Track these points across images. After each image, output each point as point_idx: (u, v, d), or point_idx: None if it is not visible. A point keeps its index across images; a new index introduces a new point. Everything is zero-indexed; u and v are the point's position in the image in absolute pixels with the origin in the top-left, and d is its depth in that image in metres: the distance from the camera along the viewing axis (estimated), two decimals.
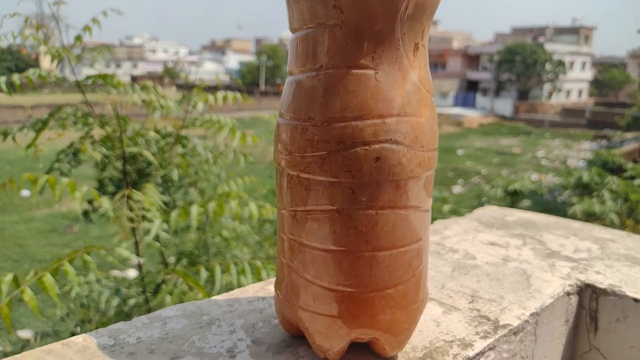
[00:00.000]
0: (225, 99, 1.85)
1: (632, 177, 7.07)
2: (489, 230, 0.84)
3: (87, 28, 1.75)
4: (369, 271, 0.43)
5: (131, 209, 1.47)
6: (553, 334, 0.62)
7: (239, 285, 1.56)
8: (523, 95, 34.25)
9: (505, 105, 32.48)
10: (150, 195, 1.53)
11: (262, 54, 40.37)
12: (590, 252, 0.75)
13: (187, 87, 2.02)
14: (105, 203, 1.47)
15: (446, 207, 3.70)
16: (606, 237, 0.82)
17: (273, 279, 0.64)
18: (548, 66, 32.83)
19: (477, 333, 0.53)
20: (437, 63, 39.08)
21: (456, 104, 35.73)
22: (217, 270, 1.47)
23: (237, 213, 1.52)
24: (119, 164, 1.75)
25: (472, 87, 37.59)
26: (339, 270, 0.43)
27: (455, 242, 0.78)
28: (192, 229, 1.94)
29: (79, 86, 1.67)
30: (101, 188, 1.87)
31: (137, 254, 1.55)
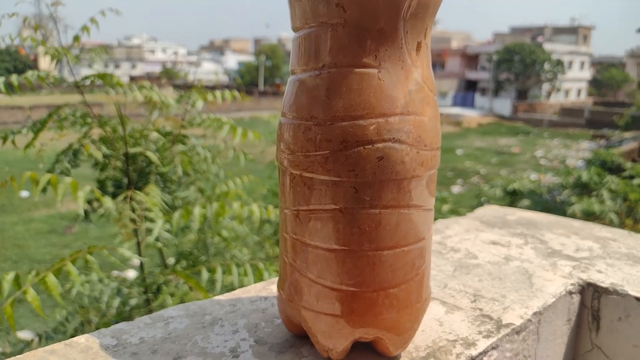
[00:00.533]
0: (223, 96, 1.86)
1: (631, 177, 7.08)
2: (491, 230, 0.84)
3: (85, 28, 1.75)
4: (372, 270, 0.43)
5: (133, 210, 1.47)
6: (555, 333, 0.62)
7: (241, 286, 1.56)
8: (522, 95, 34.27)
9: (504, 105, 32.49)
10: (153, 196, 1.53)
11: (261, 54, 40.34)
12: (591, 251, 0.75)
13: (185, 87, 2.02)
14: (108, 203, 1.47)
15: (445, 207, 3.69)
16: (607, 236, 0.82)
17: (275, 279, 0.64)
18: (547, 66, 32.86)
19: (480, 332, 0.53)
20: (436, 63, 39.08)
21: (455, 103, 35.74)
22: (219, 271, 1.47)
23: (239, 214, 1.52)
24: (118, 164, 1.75)
25: (470, 87, 37.61)
26: (342, 269, 0.43)
27: (456, 241, 0.78)
28: (192, 230, 1.94)
29: (78, 87, 1.67)
30: (101, 189, 1.87)
31: (139, 255, 1.55)
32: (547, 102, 34.13)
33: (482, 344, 0.51)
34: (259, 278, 1.49)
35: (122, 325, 0.53)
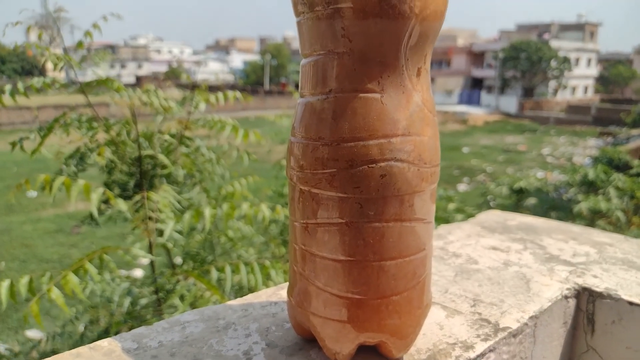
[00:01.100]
0: (225, 97, 1.89)
1: (639, 174, 7.05)
2: (491, 235, 0.87)
3: (88, 34, 1.79)
4: (376, 279, 0.47)
5: (151, 210, 1.50)
6: (552, 336, 0.65)
7: (249, 285, 1.60)
8: (528, 92, 34.15)
9: (510, 102, 32.39)
10: (165, 197, 1.56)
11: (266, 53, 40.40)
12: (588, 256, 0.78)
13: (190, 87, 2.05)
14: (121, 205, 1.51)
15: (451, 206, 3.71)
16: (604, 241, 0.85)
17: (284, 284, 0.67)
18: (553, 63, 32.71)
19: (478, 335, 0.56)
20: (442, 61, 38.99)
21: (461, 101, 35.66)
22: (228, 270, 1.50)
23: (248, 215, 1.55)
24: (125, 167, 1.78)
25: (476, 84, 37.49)
26: (348, 278, 0.47)
27: (458, 247, 0.82)
28: (203, 230, 1.97)
29: (83, 91, 1.71)
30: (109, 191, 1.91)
31: (151, 254, 1.59)
32: (553, 99, 33.99)
33: (480, 347, 0.54)
34: (266, 276, 1.52)
35: (141, 329, 0.57)
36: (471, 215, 3.37)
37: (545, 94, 34.12)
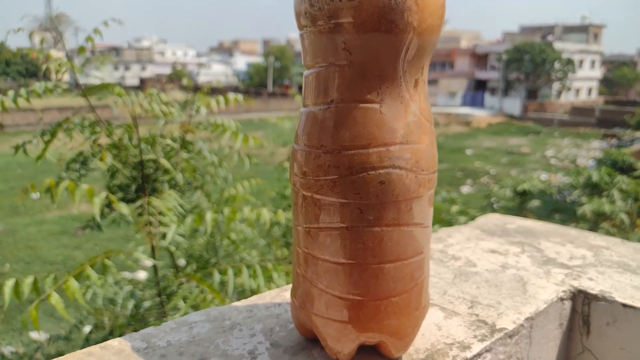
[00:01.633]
0: (226, 101, 1.91)
1: None
2: (490, 238, 0.89)
3: (89, 39, 1.81)
4: (375, 281, 0.49)
5: (150, 214, 1.53)
6: (547, 337, 0.67)
7: (251, 287, 1.62)
8: (532, 94, 34.11)
9: (514, 104, 32.36)
10: (169, 201, 1.58)
11: (269, 55, 40.47)
12: (584, 259, 0.79)
13: (193, 89, 2.07)
14: (124, 209, 1.53)
15: (454, 208, 3.72)
16: (601, 245, 0.86)
17: (287, 286, 0.69)
18: (557, 65, 32.67)
19: (475, 336, 0.58)
20: (445, 62, 38.99)
21: (464, 103, 35.65)
22: (230, 273, 1.52)
23: (249, 219, 1.57)
24: (127, 171, 1.80)
25: (480, 86, 37.48)
26: (349, 280, 0.49)
27: (457, 249, 0.83)
28: (205, 234, 1.98)
29: (85, 96, 1.73)
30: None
31: (154, 258, 1.61)
32: (557, 101, 33.94)
33: (477, 347, 0.56)
34: (268, 279, 1.54)
35: (150, 329, 0.59)
36: (474, 218, 3.38)
37: (549, 95, 34.08)
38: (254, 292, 1.80)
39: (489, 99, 35.08)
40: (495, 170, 15.07)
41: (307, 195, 0.50)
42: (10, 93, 1.62)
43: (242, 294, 2.05)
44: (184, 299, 1.56)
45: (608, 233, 5.68)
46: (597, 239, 0.89)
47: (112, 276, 1.66)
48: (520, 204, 7.46)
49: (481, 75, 37.56)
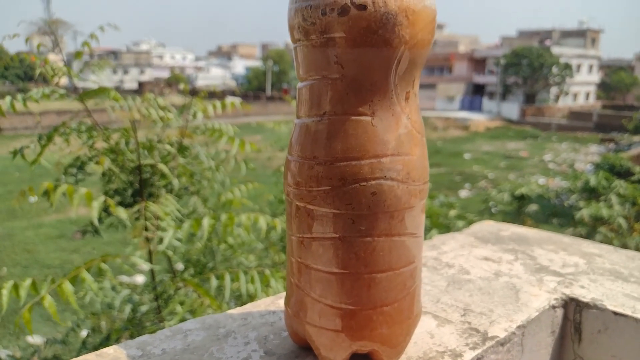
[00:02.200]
0: (223, 106, 1.92)
1: None
2: (484, 246, 0.90)
3: (86, 44, 1.82)
4: (367, 291, 0.49)
5: (146, 219, 1.53)
6: (539, 344, 0.68)
7: (248, 293, 1.62)
8: (530, 98, 34.20)
9: (512, 108, 32.43)
10: (167, 205, 1.59)
11: (268, 59, 40.52)
12: (577, 267, 0.80)
13: (190, 93, 2.08)
14: (121, 214, 1.54)
15: (452, 212, 3.73)
16: (593, 252, 0.87)
17: (282, 294, 0.70)
18: (555, 69, 32.78)
19: (467, 344, 0.58)
20: (443, 67, 39.09)
21: (462, 107, 35.71)
22: (227, 278, 1.53)
23: (246, 224, 1.58)
24: (124, 176, 1.81)
25: (478, 90, 37.57)
26: (342, 290, 0.49)
27: (451, 257, 0.84)
28: (202, 239, 1.99)
29: (82, 101, 1.74)
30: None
31: (151, 262, 1.61)
32: (555, 105, 34.03)
33: (469, 355, 0.56)
34: (265, 284, 1.55)
35: (145, 337, 0.59)
36: (472, 222, 3.39)
37: (547, 100, 34.17)
38: (251, 297, 1.81)
39: (487, 103, 35.15)
40: (494, 175, 15.09)
41: (301, 206, 0.50)
42: (8, 98, 1.63)
43: (239, 298, 2.05)
44: (181, 303, 1.57)
45: (606, 237, 5.69)
46: (590, 247, 0.90)
47: (109, 280, 1.67)
48: (518, 208, 7.47)
49: (479, 79, 37.65)
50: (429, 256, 0.84)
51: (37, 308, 1.22)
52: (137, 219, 1.54)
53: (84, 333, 2.14)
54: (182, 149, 1.89)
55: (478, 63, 38.73)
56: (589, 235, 5.95)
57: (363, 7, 0.44)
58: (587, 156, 19.23)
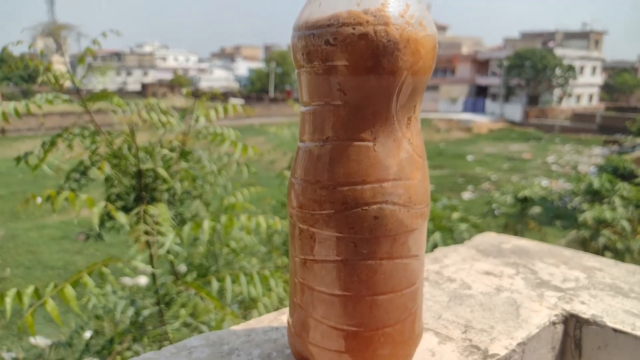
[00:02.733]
0: (225, 111, 1.93)
1: None
2: (485, 259, 0.90)
3: (88, 50, 1.84)
4: (369, 313, 0.50)
5: (146, 223, 1.54)
6: None
7: (250, 296, 1.63)
8: (533, 100, 34.16)
9: (515, 110, 32.40)
10: (163, 212, 1.60)
11: (271, 61, 40.58)
12: (577, 282, 0.81)
13: (194, 95, 2.09)
14: (122, 219, 1.55)
15: (455, 215, 3.73)
16: (594, 266, 0.88)
17: (285, 309, 0.71)
18: (558, 71, 32.74)
19: None
20: (446, 69, 39.07)
21: (465, 109, 35.69)
22: (228, 280, 1.54)
23: (247, 227, 1.59)
24: (126, 180, 1.82)
25: (481, 92, 37.54)
26: (344, 312, 0.50)
27: (453, 271, 0.85)
28: (203, 243, 2.00)
29: (85, 106, 1.75)
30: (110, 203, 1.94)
31: (152, 266, 1.62)
32: (558, 107, 33.98)
33: None
34: (266, 287, 1.56)
35: (150, 354, 0.60)
36: (475, 225, 3.38)
37: (550, 102, 34.13)
38: (252, 300, 1.82)
39: (490, 105, 35.13)
40: (497, 176, 15.08)
41: (304, 228, 0.51)
42: (11, 104, 1.65)
43: (241, 302, 2.06)
44: (183, 306, 1.58)
45: (609, 240, 5.68)
46: (590, 260, 0.91)
47: (111, 284, 1.68)
48: (521, 210, 7.46)
49: (482, 81, 37.63)
50: (430, 270, 0.85)
51: (40, 309, 1.23)
52: (136, 222, 1.55)
53: (87, 334, 2.15)
54: (184, 154, 1.90)
55: (481, 65, 38.71)
56: (592, 238, 5.94)
57: (365, 36, 0.45)
58: (590, 158, 19.20)
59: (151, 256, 1.63)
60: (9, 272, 7.25)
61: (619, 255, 5.80)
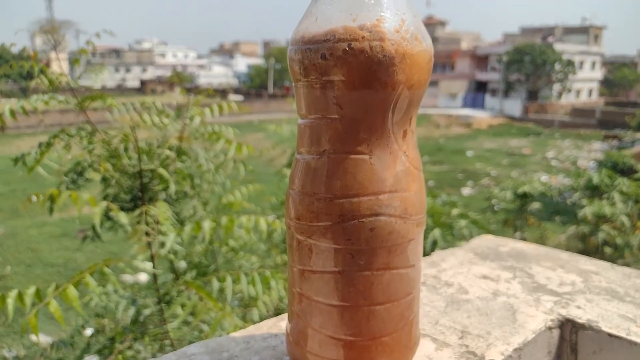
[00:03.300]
0: (221, 109, 1.93)
1: None
2: (483, 262, 0.91)
3: (83, 51, 1.84)
4: (367, 322, 0.51)
5: (147, 224, 1.55)
6: None
7: (249, 295, 1.64)
8: (532, 95, 34.14)
9: (514, 105, 32.38)
10: (163, 211, 1.61)
11: (270, 57, 40.52)
12: (573, 286, 0.82)
13: (189, 90, 2.09)
14: (122, 218, 1.55)
15: (455, 211, 3.73)
16: (590, 270, 0.88)
17: (284, 315, 0.72)
18: (557, 66, 32.70)
19: None
20: (446, 64, 39.02)
21: (465, 105, 35.68)
22: (228, 280, 1.55)
23: (247, 227, 1.59)
24: (124, 180, 1.82)
25: (481, 87, 37.51)
26: (341, 321, 0.51)
27: (450, 275, 0.86)
28: (203, 242, 2.00)
29: (81, 108, 1.76)
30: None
31: (153, 266, 1.63)
32: (558, 102, 33.96)
33: None
34: (266, 286, 1.56)
35: None
36: (475, 221, 3.39)
37: (550, 97, 34.10)
38: (252, 299, 1.82)
39: (489, 100, 35.11)
40: (496, 172, 15.09)
41: (301, 239, 0.52)
42: (7, 107, 1.65)
43: (241, 299, 2.07)
44: (182, 306, 1.59)
45: (609, 235, 5.69)
46: (587, 263, 0.91)
47: (112, 284, 1.69)
48: (521, 206, 7.46)
49: (482, 76, 37.60)
50: (428, 274, 0.86)
51: (41, 308, 1.24)
52: (137, 222, 1.56)
53: (88, 332, 2.16)
54: (180, 153, 1.90)
55: (480, 60, 38.66)
56: (592, 233, 5.96)
57: (361, 52, 0.45)
58: (590, 153, 19.20)
59: (152, 256, 1.63)
60: (9, 270, 7.26)
61: (618, 251, 5.81)
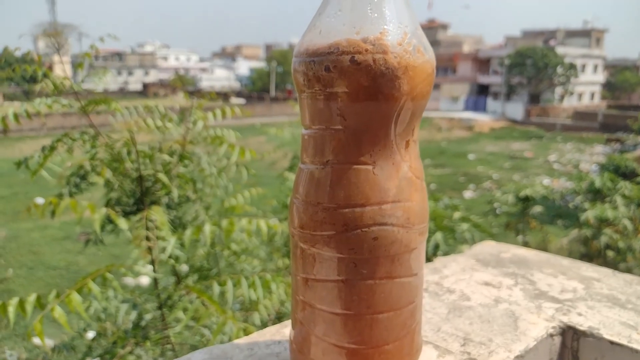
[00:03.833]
0: (224, 114, 1.94)
1: None
2: (485, 269, 0.91)
3: (87, 55, 1.85)
4: (369, 331, 0.52)
5: (148, 228, 1.56)
6: None
7: (250, 299, 1.64)
8: (534, 98, 34.13)
9: (516, 109, 32.37)
10: (160, 216, 1.61)
11: (272, 60, 40.59)
12: (575, 293, 0.82)
13: (196, 94, 2.09)
14: (123, 224, 1.56)
15: (457, 214, 3.73)
16: (592, 276, 0.89)
17: (287, 322, 0.72)
18: (559, 69, 32.69)
19: None
20: (447, 67, 39.04)
21: (467, 108, 35.68)
22: (229, 284, 1.55)
23: (248, 230, 1.60)
24: (126, 184, 1.83)
25: (482, 91, 37.51)
26: (344, 330, 0.52)
27: (452, 281, 0.86)
28: (204, 246, 2.00)
29: (84, 111, 1.77)
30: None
31: (154, 270, 1.64)
32: (560, 105, 33.95)
33: None
34: (267, 290, 1.57)
35: None
36: (476, 225, 3.39)
37: (552, 100, 34.09)
38: (253, 303, 1.83)
39: (491, 103, 35.11)
40: (498, 175, 15.09)
41: (305, 248, 0.52)
42: (10, 110, 1.67)
43: (242, 303, 2.07)
44: (184, 310, 1.59)
45: (611, 239, 5.68)
46: (588, 270, 0.92)
47: (114, 290, 1.69)
48: (522, 209, 7.46)
49: (483, 79, 37.61)
50: (430, 281, 0.86)
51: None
52: (137, 228, 1.57)
53: (90, 335, 2.17)
54: (183, 157, 1.91)
55: (482, 63, 38.68)
56: (594, 237, 5.95)
57: (364, 64, 0.46)
58: (592, 157, 19.19)
59: (153, 261, 1.64)
60: (11, 273, 7.28)
61: (620, 254, 5.80)
